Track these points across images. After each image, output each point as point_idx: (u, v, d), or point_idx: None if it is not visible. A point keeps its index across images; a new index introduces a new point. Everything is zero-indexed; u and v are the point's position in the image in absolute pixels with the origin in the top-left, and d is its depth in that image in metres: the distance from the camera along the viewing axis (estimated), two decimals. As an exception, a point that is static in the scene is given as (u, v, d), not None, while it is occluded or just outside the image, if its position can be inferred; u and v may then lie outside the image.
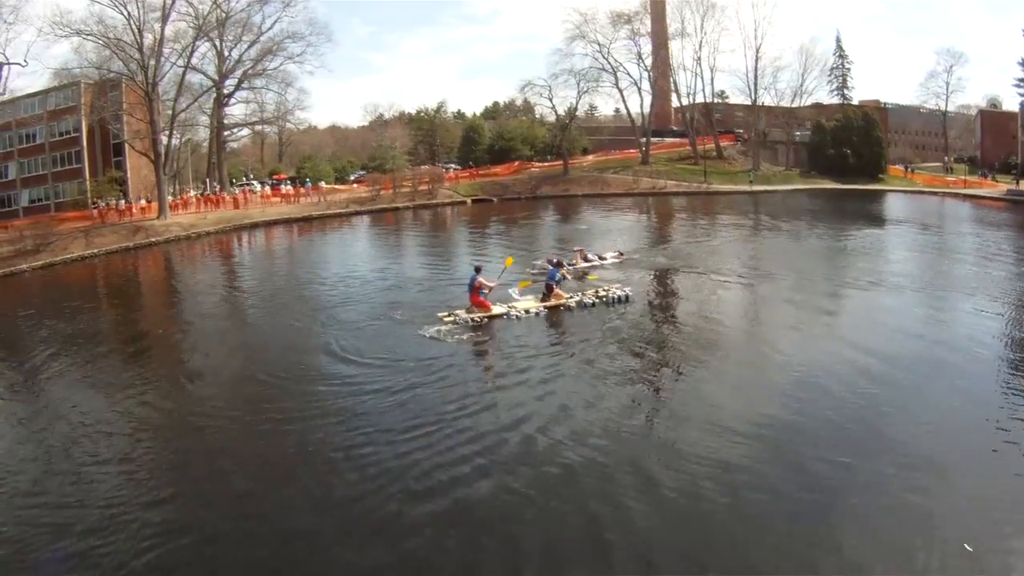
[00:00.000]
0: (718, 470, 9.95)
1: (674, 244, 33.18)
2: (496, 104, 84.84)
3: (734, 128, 72.84)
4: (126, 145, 52.51)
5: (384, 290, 24.33)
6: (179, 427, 12.99)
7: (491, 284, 19.47)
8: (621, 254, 27.34)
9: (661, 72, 68.70)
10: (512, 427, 11.81)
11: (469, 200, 55.36)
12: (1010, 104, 77.00)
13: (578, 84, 62.28)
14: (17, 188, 54.22)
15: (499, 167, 64.33)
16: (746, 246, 32.42)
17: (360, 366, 15.60)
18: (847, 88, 77.54)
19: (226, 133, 61.20)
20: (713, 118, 69.09)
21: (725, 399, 12.86)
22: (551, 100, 62.64)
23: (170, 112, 50.43)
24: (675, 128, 74.47)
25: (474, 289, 19.18)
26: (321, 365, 16.06)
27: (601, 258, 26.38)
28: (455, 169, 66.02)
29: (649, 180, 59.77)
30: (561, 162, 63.09)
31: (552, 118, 65.13)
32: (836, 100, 76.52)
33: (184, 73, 50.55)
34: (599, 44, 62.58)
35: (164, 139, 50.21)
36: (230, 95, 58.16)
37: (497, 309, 19.20)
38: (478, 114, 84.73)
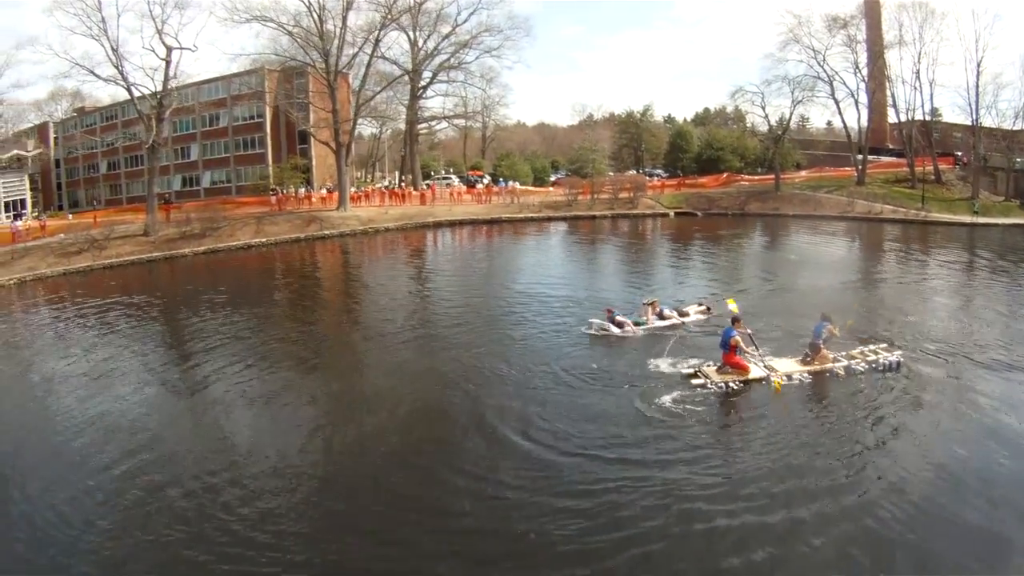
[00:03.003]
0: None
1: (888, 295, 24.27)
2: (707, 110, 78.60)
3: (952, 150, 63.37)
4: (311, 134, 49.90)
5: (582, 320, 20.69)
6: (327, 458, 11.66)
7: (749, 349, 15.62)
8: (709, 309, 21.14)
9: (878, 83, 60.45)
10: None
11: (672, 213, 49.77)
12: None
13: (792, 92, 55.09)
14: (199, 169, 53.16)
15: (706, 178, 58.79)
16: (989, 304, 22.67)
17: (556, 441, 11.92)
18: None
19: (422, 126, 58.18)
20: (932, 137, 60.08)
21: None
22: (763, 107, 55.67)
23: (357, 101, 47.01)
24: (891, 147, 66.00)
25: (731, 347, 15.09)
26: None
27: (682, 314, 20.81)
28: (661, 177, 61.30)
29: (864, 203, 51.98)
30: (771, 176, 56.49)
31: (764, 128, 58.35)
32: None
33: (370, 62, 47.71)
34: (814, 50, 55.25)
35: (350, 128, 46.67)
36: (425, 87, 55.17)
37: (755, 372, 15.06)
38: (688, 119, 78.65)
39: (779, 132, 56.39)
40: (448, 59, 53.97)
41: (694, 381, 14.56)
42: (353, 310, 24.93)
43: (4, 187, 49.20)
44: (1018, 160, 58.87)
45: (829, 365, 15.23)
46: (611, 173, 56.13)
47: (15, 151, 51.57)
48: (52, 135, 61.86)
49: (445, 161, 74.95)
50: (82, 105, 63.81)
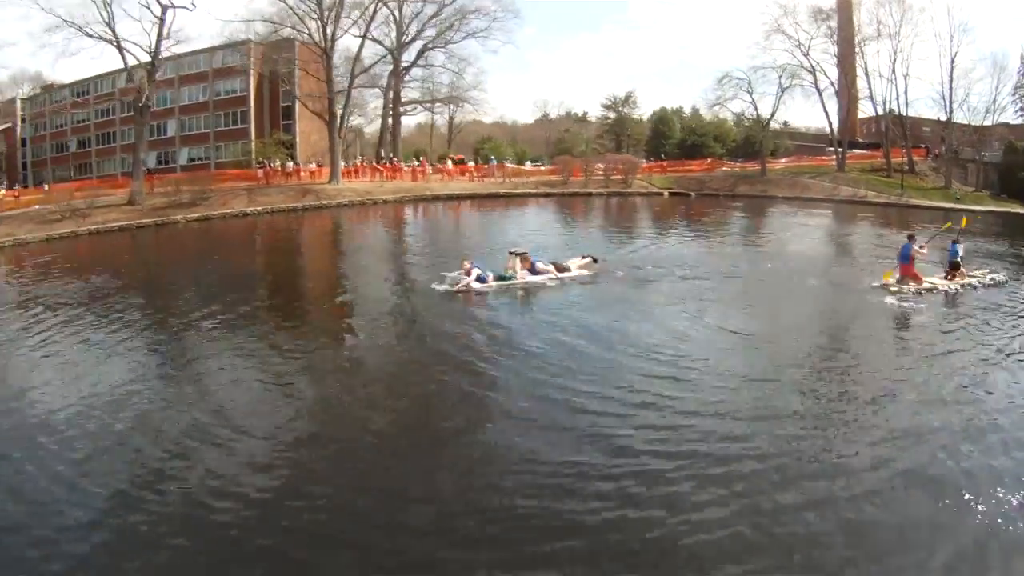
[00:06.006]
0: None
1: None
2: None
3: (921, 143, 65.32)
4: (296, 109, 48.55)
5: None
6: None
7: (924, 252, 17.48)
8: (595, 260, 19.67)
9: (849, 77, 61.78)
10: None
11: (666, 192, 49.59)
12: None
13: (780, 79, 56.11)
14: (176, 146, 51.19)
15: (692, 163, 59.31)
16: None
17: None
18: (1030, 106, 68.60)
19: (406, 106, 56.54)
20: (907, 130, 61.72)
21: None
22: (751, 93, 56.23)
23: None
24: (859, 140, 67.28)
25: (909, 259, 17.09)
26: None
27: (560, 268, 18.59)
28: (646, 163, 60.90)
29: (848, 188, 53.35)
30: (753, 163, 57.88)
31: (747, 115, 59.01)
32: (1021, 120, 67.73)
33: (363, 41, 46.55)
34: (799, 41, 56.39)
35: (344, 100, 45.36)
36: (408, 68, 53.62)
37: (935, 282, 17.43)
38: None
39: (768, 118, 57.20)
40: (435, 39, 52.84)
41: (892, 287, 16.79)
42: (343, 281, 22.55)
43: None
44: (986, 154, 61.29)
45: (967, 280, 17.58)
46: (601, 154, 55.65)
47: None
48: (19, 112, 59.13)
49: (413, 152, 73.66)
50: (49, 83, 60.99)
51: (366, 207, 40.19)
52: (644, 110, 72.56)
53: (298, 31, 43.38)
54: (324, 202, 39.69)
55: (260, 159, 46.27)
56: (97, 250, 29.90)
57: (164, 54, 37.83)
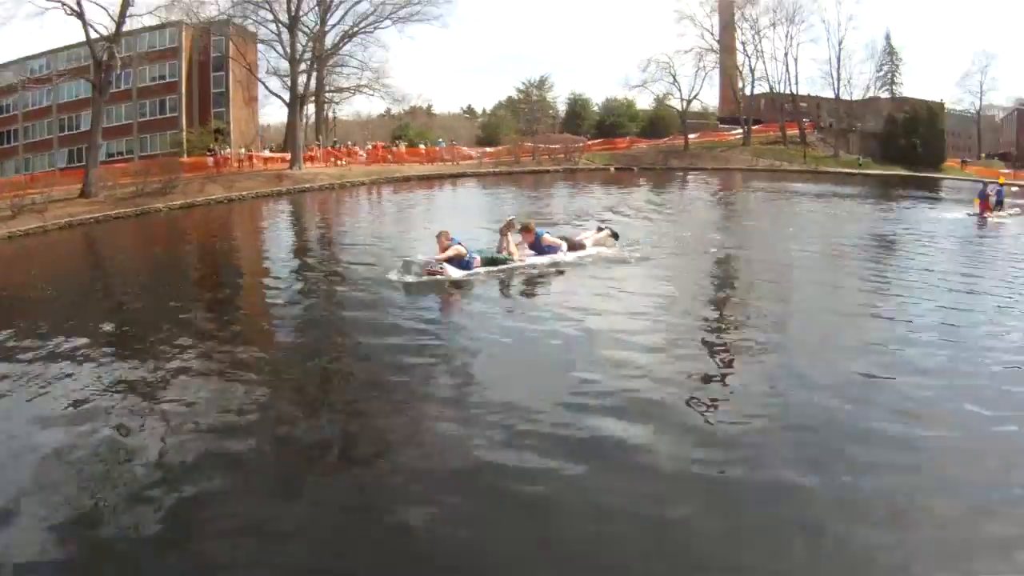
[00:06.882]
0: None
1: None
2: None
3: (805, 117, 72.54)
4: (229, 95, 45.69)
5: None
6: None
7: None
8: (615, 235, 14.85)
9: (729, 59, 67.44)
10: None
11: (612, 168, 51.98)
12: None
13: (699, 62, 61.63)
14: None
15: (616, 141, 62.15)
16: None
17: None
18: (895, 84, 78.26)
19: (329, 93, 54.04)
20: (799, 106, 68.66)
21: None
22: (674, 76, 60.78)
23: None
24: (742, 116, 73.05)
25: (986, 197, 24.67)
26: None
27: (574, 246, 13.73)
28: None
29: (764, 160, 58.85)
30: (665, 140, 62.58)
31: (672, 96, 63.92)
32: (886, 95, 77.26)
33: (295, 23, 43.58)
34: (703, 27, 62.37)
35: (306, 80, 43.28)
36: (331, 54, 51.30)
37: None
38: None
39: (690, 98, 61.95)
40: (358, 23, 51.19)
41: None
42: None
43: None
44: (858, 124, 69.80)
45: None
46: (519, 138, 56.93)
47: None
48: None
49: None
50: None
51: (346, 189, 38.63)
52: (558, 93, 74.85)
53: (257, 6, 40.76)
54: (305, 185, 37.77)
55: (210, 147, 43.04)
56: (82, 243, 26.68)
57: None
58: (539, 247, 13.20)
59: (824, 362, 8.03)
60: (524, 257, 12.99)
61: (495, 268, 12.28)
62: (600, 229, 14.89)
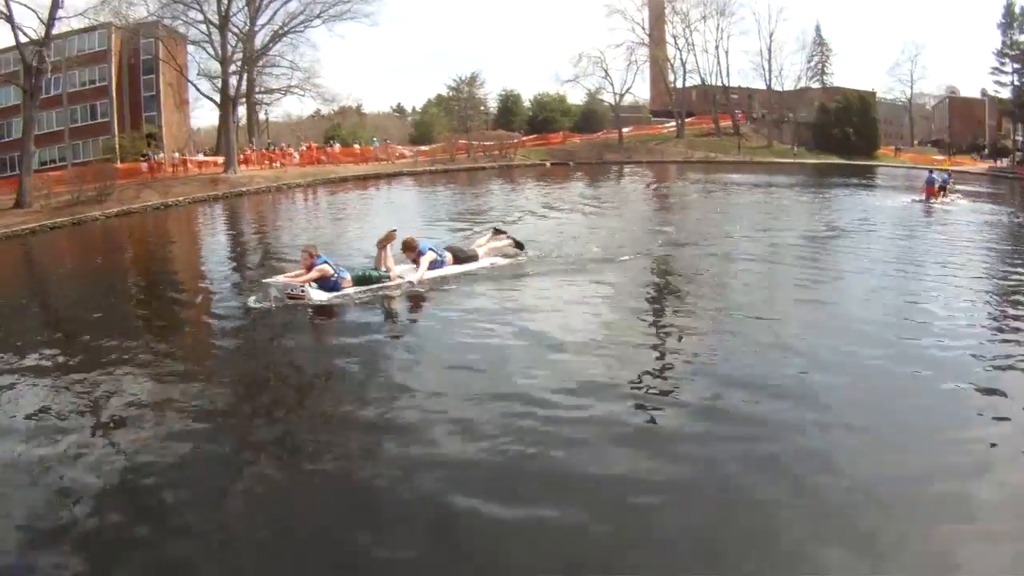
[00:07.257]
0: None
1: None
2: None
3: (735, 109, 74.74)
4: (161, 99, 45.54)
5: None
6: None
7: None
8: (519, 245, 13.90)
9: (659, 52, 69.25)
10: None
11: (548, 163, 53.54)
12: (967, 91, 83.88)
13: (631, 56, 63.49)
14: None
15: (550, 136, 63.52)
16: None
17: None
18: (825, 74, 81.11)
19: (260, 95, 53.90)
20: (731, 98, 70.74)
21: None
22: (606, 71, 62.64)
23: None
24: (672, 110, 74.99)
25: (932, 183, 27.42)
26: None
27: (460, 258, 12.75)
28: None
29: (698, 152, 60.80)
30: (598, 134, 64.15)
31: (603, 90, 65.36)
32: (817, 86, 79.96)
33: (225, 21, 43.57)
34: (634, 21, 64.22)
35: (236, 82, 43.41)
36: (261, 54, 51.25)
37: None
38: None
39: (623, 92, 63.79)
40: (289, 22, 51.03)
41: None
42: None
43: None
44: (790, 114, 72.32)
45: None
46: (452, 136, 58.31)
47: None
48: None
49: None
50: None
51: (282, 191, 39.02)
52: (490, 90, 76.02)
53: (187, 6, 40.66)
54: (241, 189, 38.10)
55: (144, 152, 42.96)
56: (20, 254, 26.29)
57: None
58: (420, 263, 11.85)
59: (769, 360, 8.12)
60: (405, 274, 11.64)
61: (366, 288, 11.11)
62: (497, 232, 14.12)
